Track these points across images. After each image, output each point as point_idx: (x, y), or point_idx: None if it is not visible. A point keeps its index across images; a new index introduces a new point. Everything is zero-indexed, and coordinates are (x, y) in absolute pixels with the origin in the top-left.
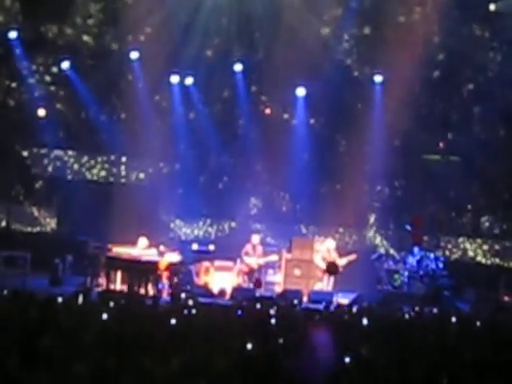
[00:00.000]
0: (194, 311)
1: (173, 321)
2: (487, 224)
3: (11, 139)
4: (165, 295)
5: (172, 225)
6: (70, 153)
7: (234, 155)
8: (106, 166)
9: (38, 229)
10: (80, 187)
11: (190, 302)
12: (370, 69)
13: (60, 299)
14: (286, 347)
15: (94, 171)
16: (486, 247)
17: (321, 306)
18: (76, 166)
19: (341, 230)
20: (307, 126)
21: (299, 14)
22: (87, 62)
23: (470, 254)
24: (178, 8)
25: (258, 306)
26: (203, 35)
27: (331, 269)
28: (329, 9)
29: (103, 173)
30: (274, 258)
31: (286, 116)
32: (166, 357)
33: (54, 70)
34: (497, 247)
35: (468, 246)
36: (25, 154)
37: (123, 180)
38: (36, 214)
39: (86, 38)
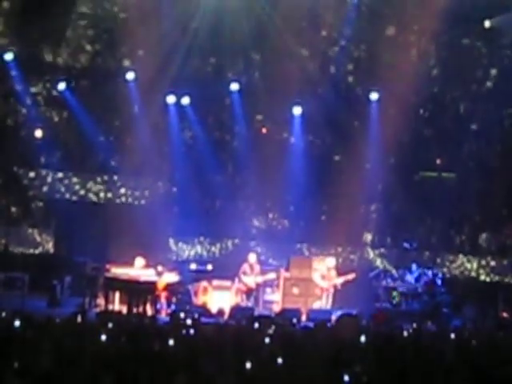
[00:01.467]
0: (192, 331)
1: (171, 341)
2: (485, 241)
3: (8, 161)
4: (163, 315)
5: (170, 245)
6: (68, 174)
7: (231, 174)
8: (103, 186)
9: (35, 250)
10: (77, 208)
11: (189, 322)
12: (366, 86)
13: (58, 320)
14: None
15: (92, 192)
16: (484, 264)
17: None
18: (73, 187)
19: (339, 248)
20: (304, 144)
21: (295, 33)
22: (83, 83)
23: (469, 270)
24: (174, 28)
25: (257, 325)
26: (199, 55)
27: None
28: (325, 27)
29: (100, 193)
30: (271, 276)
31: (282, 135)
32: (166, 377)
33: (51, 91)
34: (495, 264)
35: (466, 262)
36: (22, 175)
37: (120, 200)
38: (34, 235)
39: (81, 59)
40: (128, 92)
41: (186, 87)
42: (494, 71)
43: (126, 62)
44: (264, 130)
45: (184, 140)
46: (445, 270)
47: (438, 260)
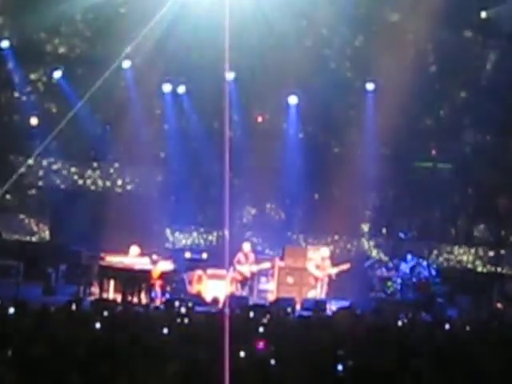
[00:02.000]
0: (186, 320)
1: (165, 330)
2: (480, 231)
3: (3, 148)
4: (158, 303)
5: (165, 233)
6: (63, 162)
7: (226, 163)
8: (99, 174)
9: (30, 238)
10: (72, 196)
11: (183, 310)
12: (362, 76)
13: (53, 308)
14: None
15: (87, 180)
16: (479, 254)
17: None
18: (69, 175)
19: (334, 238)
20: (300, 134)
21: (291, 22)
22: (79, 71)
23: (464, 261)
24: (170, 17)
25: (252, 314)
26: (195, 44)
27: None
28: (321, 16)
29: (96, 182)
30: (266, 265)
31: (278, 124)
32: (160, 365)
33: (47, 79)
34: (490, 254)
35: (461, 253)
36: (17, 162)
37: (116, 189)
38: (29, 223)
39: (77, 47)
40: (124, 80)
41: (182, 76)
42: (490, 62)
43: (122, 50)
44: (259, 119)
45: (180, 129)
46: (440, 260)
47: (434, 250)
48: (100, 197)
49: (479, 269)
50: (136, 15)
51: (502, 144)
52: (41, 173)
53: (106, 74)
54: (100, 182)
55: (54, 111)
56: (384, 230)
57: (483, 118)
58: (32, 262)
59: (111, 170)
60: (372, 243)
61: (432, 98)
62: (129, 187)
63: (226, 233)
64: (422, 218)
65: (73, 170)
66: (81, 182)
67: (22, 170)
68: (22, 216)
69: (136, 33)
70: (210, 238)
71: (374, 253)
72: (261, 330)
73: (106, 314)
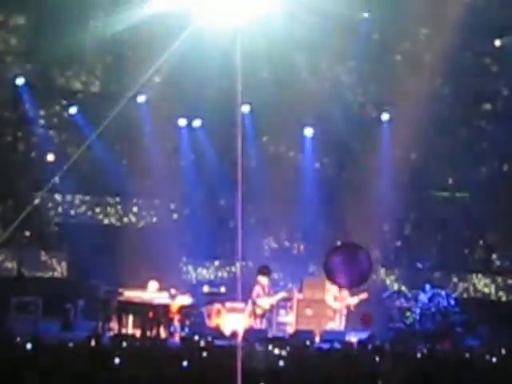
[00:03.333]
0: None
1: (185, 363)
2: (499, 259)
3: (21, 185)
4: (177, 338)
5: (182, 267)
6: (80, 197)
7: (244, 196)
8: (116, 209)
9: (48, 274)
10: (90, 231)
11: (202, 344)
12: (377, 107)
13: (72, 344)
14: None
15: (104, 215)
16: (498, 283)
17: (334, 345)
18: (86, 210)
19: None
20: (316, 165)
21: (304, 54)
22: (94, 107)
23: (483, 290)
24: (185, 51)
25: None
26: (210, 77)
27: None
28: (334, 48)
29: (113, 216)
30: (282, 294)
31: (294, 156)
32: None
33: (62, 115)
34: (509, 282)
35: (480, 282)
36: (34, 198)
37: (133, 223)
38: (46, 258)
39: (92, 82)
40: (139, 115)
41: (198, 110)
42: (505, 90)
43: (137, 85)
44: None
45: (196, 162)
46: (459, 289)
47: (452, 280)
48: (117, 232)
49: (499, 298)
50: (150, 50)
51: None
52: (58, 209)
53: (120, 109)
54: (117, 217)
55: (70, 147)
56: (402, 260)
57: (500, 146)
58: (50, 298)
59: (128, 205)
60: (389, 274)
61: (448, 126)
62: (146, 221)
63: (238, 265)
64: (439, 248)
65: (90, 205)
66: (98, 216)
67: (39, 205)
68: (40, 252)
69: (149, 67)
70: (228, 271)
71: (392, 283)
72: (281, 363)
73: (125, 346)
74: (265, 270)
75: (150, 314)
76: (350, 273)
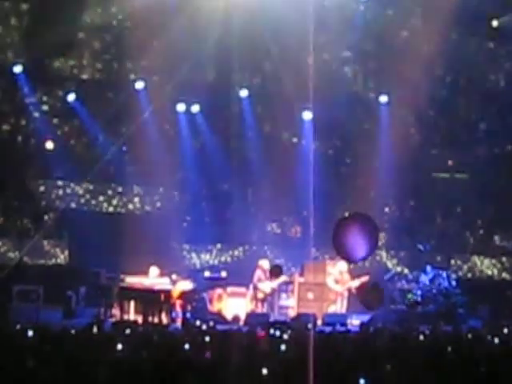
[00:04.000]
0: (207, 338)
1: (186, 346)
2: (499, 241)
3: (20, 173)
4: (179, 323)
5: (183, 253)
6: (79, 184)
7: (243, 181)
8: (116, 196)
9: (49, 261)
10: (90, 218)
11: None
12: (376, 89)
13: (74, 331)
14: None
15: (104, 202)
16: (499, 264)
17: (336, 328)
18: (85, 197)
19: None
20: (315, 149)
21: (302, 38)
22: (93, 94)
23: (484, 270)
24: (183, 36)
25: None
26: (208, 62)
27: (274, 271)
28: (332, 32)
29: (113, 203)
30: (283, 278)
31: (293, 140)
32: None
33: (61, 102)
34: (510, 263)
35: (481, 263)
36: (34, 186)
37: (133, 210)
38: (47, 246)
39: (90, 69)
40: (138, 101)
41: (196, 95)
42: (503, 71)
43: (135, 72)
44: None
45: (195, 147)
46: (460, 270)
47: (453, 261)
48: (117, 218)
49: (500, 278)
50: (148, 36)
51: None
52: (58, 196)
53: (119, 95)
54: (117, 204)
55: (69, 134)
56: (402, 242)
57: (499, 128)
58: (52, 286)
59: (128, 191)
60: (390, 256)
61: (446, 108)
62: (146, 208)
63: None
64: (440, 229)
65: (90, 192)
66: (98, 203)
67: (38, 193)
68: (40, 240)
69: (148, 53)
70: (229, 256)
71: (393, 265)
72: (283, 347)
73: (127, 333)
74: (276, 270)
75: (152, 300)
76: (364, 243)
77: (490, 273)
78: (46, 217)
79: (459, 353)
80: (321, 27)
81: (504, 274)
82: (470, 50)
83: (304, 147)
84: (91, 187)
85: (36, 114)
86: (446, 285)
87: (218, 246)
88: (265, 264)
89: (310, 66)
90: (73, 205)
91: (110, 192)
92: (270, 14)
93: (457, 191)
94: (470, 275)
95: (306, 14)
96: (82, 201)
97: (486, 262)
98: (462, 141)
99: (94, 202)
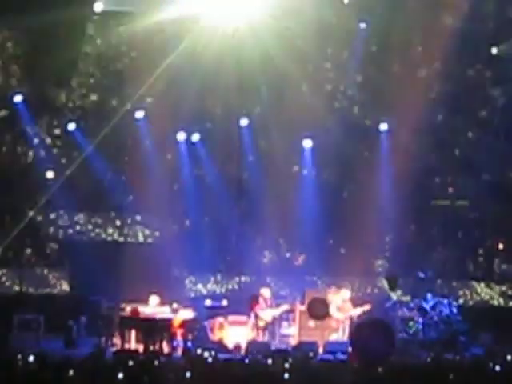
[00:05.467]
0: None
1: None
2: (501, 267)
3: (20, 202)
4: (180, 353)
5: (184, 282)
6: (80, 214)
7: (243, 209)
8: (116, 225)
9: (50, 291)
10: (91, 248)
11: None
12: (375, 117)
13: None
14: None
15: (104, 231)
16: (500, 290)
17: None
18: (86, 227)
19: (353, 279)
20: (315, 177)
21: (301, 67)
22: (93, 123)
23: (485, 298)
24: (182, 65)
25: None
26: (208, 91)
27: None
28: (332, 60)
29: (114, 233)
30: (285, 307)
31: (293, 168)
32: None
33: (61, 132)
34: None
35: (482, 289)
36: (34, 216)
37: (133, 239)
38: (48, 276)
39: (91, 98)
40: (138, 130)
41: (196, 124)
42: (502, 98)
43: (135, 101)
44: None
45: (195, 176)
46: (461, 298)
47: (454, 288)
48: (118, 247)
49: (501, 305)
50: (147, 66)
51: None
52: (58, 225)
53: (119, 125)
54: (117, 233)
55: (69, 164)
56: (403, 270)
57: (498, 155)
58: (52, 315)
59: (128, 221)
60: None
61: (446, 135)
62: (146, 237)
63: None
64: (440, 256)
65: (90, 221)
66: (98, 233)
67: (39, 223)
68: (41, 269)
69: (147, 82)
70: (230, 284)
71: (394, 293)
72: (286, 376)
73: (128, 362)
74: (255, 299)
75: (153, 329)
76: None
77: (491, 300)
78: (46, 246)
79: (461, 380)
80: (321, 54)
81: (505, 301)
82: (470, 78)
83: (304, 175)
84: (92, 216)
85: (36, 143)
86: (447, 312)
87: (219, 274)
88: (266, 293)
89: (309, 94)
90: (73, 234)
91: (110, 221)
92: (270, 44)
93: (457, 218)
94: (471, 302)
95: (306, 42)
96: (83, 230)
97: (488, 288)
98: (462, 168)
99: (94, 231)
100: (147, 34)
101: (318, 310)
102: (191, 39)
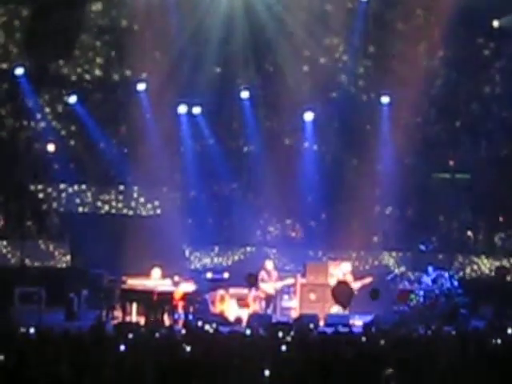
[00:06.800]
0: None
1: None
2: (501, 241)
3: (22, 175)
4: (180, 325)
5: (185, 254)
6: (81, 186)
7: (245, 182)
8: (118, 198)
9: (51, 264)
10: (92, 220)
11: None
12: (377, 90)
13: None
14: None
15: (106, 204)
16: (500, 263)
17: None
18: (87, 200)
19: (355, 252)
20: (316, 150)
21: (305, 40)
22: (94, 96)
23: (485, 271)
24: (184, 38)
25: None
26: (209, 64)
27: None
28: (335, 33)
29: (115, 205)
30: (290, 280)
31: (295, 141)
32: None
33: (62, 104)
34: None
35: (483, 263)
36: (36, 189)
37: (135, 211)
38: (49, 249)
39: (92, 71)
40: (139, 103)
41: (198, 97)
42: (504, 71)
43: (137, 73)
44: None
45: (196, 149)
46: (462, 271)
47: (455, 261)
48: (119, 220)
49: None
50: (149, 38)
51: None
52: (59, 198)
53: (120, 97)
54: (119, 206)
55: (70, 137)
56: (404, 243)
57: (499, 127)
58: (54, 288)
59: (130, 193)
60: (392, 257)
61: (447, 108)
62: (148, 209)
63: None
64: (441, 229)
65: (91, 194)
66: (100, 205)
67: (40, 196)
68: (42, 242)
69: (149, 55)
70: (231, 257)
71: (395, 266)
72: (283, 348)
73: (129, 334)
74: (251, 279)
75: (154, 302)
76: None
77: (492, 273)
78: (48, 219)
79: (463, 353)
80: (323, 28)
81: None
82: (471, 50)
83: (306, 148)
84: (93, 189)
85: (37, 116)
86: (448, 285)
87: (220, 247)
88: (269, 265)
89: (311, 68)
90: (74, 207)
91: (111, 194)
92: (272, 16)
93: (458, 191)
94: (472, 275)
95: (308, 16)
96: (84, 203)
97: (489, 262)
98: (463, 141)
99: (95, 204)
100: (149, 7)
101: (343, 295)
102: (192, 12)
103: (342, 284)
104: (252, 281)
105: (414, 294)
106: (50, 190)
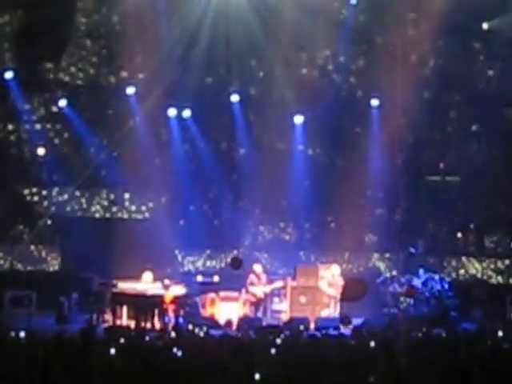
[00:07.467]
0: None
1: (179, 354)
2: (491, 242)
3: (12, 179)
4: (171, 328)
5: (176, 258)
6: (71, 190)
7: (235, 185)
8: (108, 201)
9: (42, 267)
10: (82, 224)
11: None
12: (367, 93)
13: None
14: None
15: (96, 207)
16: (491, 266)
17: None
18: (78, 203)
19: (345, 255)
20: (306, 153)
21: (294, 42)
22: (84, 99)
23: (476, 273)
24: (174, 41)
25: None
26: (199, 67)
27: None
28: (323, 35)
29: (105, 209)
30: (279, 284)
31: (284, 144)
32: None
33: (52, 108)
34: (502, 266)
35: (473, 265)
36: (26, 193)
37: (125, 215)
38: (40, 252)
39: (81, 75)
40: (129, 106)
41: (187, 100)
42: (492, 72)
43: (126, 77)
44: None
45: (186, 152)
46: (452, 273)
47: (445, 264)
48: (110, 224)
49: (491, 280)
50: (139, 41)
51: (509, 155)
52: (50, 202)
53: (110, 101)
54: (109, 209)
55: (60, 140)
56: (394, 245)
57: (489, 130)
58: (44, 292)
59: (120, 197)
60: (383, 259)
61: (437, 111)
62: (138, 213)
63: None
64: (432, 232)
65: (82, 197)
66: (90, 209)
67: (31, 199)
68: (33, 245)
69: (138, 58)
70: (221, 260)
71: (386, 269)
72: (273, 351)
73: (119, 338)
74: (237, 262)
75: (144, 305)
76: None
77: (482, 275)
78: (38, 223)
79: (452, 355)
80: (312, 31)
81: (496, 276)
82: (461, 53)
83: (295, 151)
84: (83, 193)
85: (27, 120)
86: (438, 288)
87: (211, 250)
88: (258, 268)
89: (300, 70)
90: (65, 211)
91: (102, 198)
92: (261, 19)
93: (448, 194)
94: (462, 278)
95: (298, 18)
96: (75, 206)
97: (479, 264)
98: (453, 143)
99: (86, 207)
100: (138, 10)
101: (354, 292)
102: (182, 15)
103: (355, 281)
104: (236, 264)
105: (404, 297)
106: (41, 193)
